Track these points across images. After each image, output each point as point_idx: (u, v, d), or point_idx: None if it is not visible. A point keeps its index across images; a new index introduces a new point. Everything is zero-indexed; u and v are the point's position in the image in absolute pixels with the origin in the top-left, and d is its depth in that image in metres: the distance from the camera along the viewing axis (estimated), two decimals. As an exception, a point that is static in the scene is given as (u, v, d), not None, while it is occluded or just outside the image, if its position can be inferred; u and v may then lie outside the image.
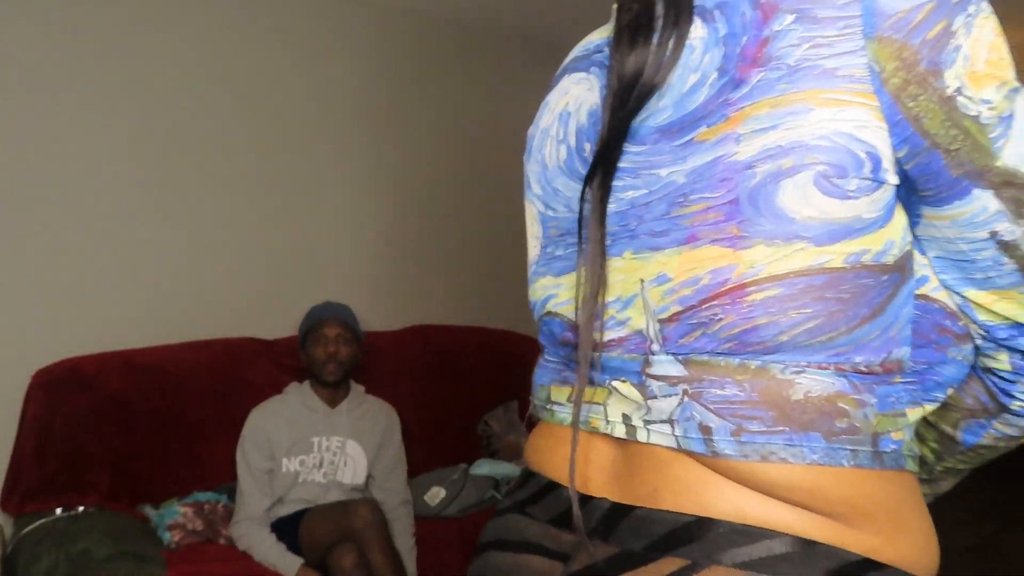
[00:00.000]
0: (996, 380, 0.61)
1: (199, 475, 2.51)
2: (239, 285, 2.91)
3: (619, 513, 0.57)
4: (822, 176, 0.51)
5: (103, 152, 2.63)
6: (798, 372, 0.54)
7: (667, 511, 0.55)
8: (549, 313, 0.67)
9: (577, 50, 0.71)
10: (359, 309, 2.89)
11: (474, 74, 3.60)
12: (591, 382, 0.62)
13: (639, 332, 0.58)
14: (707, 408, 0.55)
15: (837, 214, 0.52)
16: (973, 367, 0.62)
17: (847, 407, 0.54)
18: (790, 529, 0.53)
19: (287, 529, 2.30)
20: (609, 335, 0.60)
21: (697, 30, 0.56)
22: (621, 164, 0.58)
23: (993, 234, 0.54)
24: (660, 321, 0.56)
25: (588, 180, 0.60)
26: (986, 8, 0.52)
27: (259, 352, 2.75)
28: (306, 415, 2.47)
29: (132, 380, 2.46)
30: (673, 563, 0.53)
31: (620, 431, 0.59)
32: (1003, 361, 0.60)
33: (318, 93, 3.13)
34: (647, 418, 0.57)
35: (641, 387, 0.58)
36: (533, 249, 0.71)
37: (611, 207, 0.59)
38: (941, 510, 3.88)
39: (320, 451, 2.45)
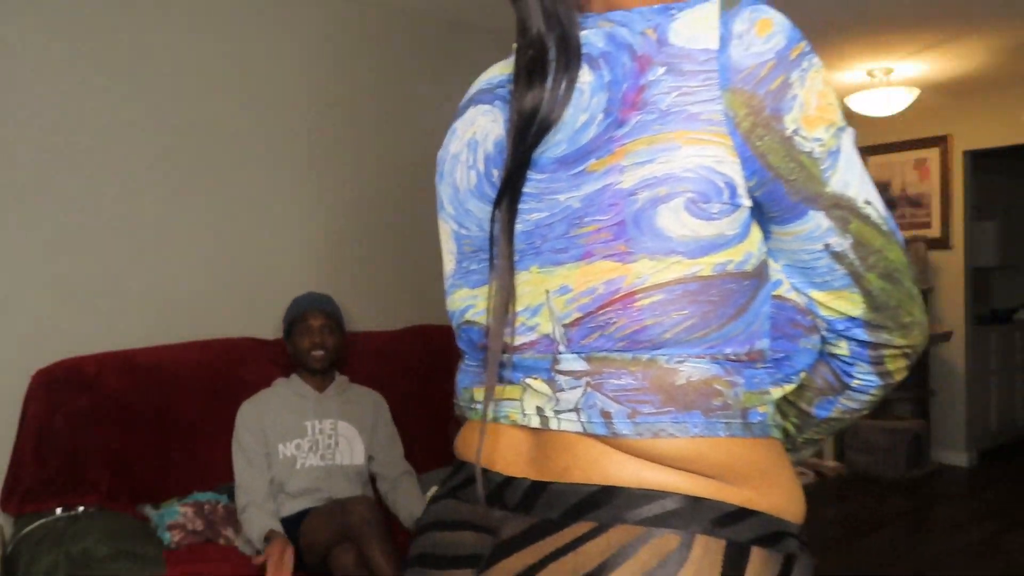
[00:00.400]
0: (839, 363, 0.75)
1: (199, 475, 2.51)
2: (239, 285, 2.91)
3: (537, 489, 0.68)
4: (691, 202, 0.63)
5: (103, 153, 2.63)
6: (680, 362, 0.65)
7: (577, 483, 0.66)
8: (468, 322, 0.76)
9: (482, 83, 0.81)
10: (359, 309, 2.89)
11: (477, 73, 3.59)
12: (507, 381, 0.71)
13: (547, 336, 0.67)
14: (607, 396, 0.65)
15: (704, 232, 0.63)
16: (821, 354, 0.75)
17: (721, 388, 0.66)
18: (680, 489, 0.64)
19: (287, 531, 2.30)
20: (521, 339, 0.69)
21: (585, 75, 0.67)
22: (526, 190, 0.68)
23: (826, 246, 0.68)
24: (564, 326, 0.66)
25: (497, 203, 0.69)
26: (817, 63, 0.65)
27: (258, 352, 2.75)
28: (296, 401, 2.51)
29: (132, 380, 2.46)
30: (584, 526, 0.64)
31: (535, 422, 0.68)
32: (843, 348, 0.73)
33: (317, 90, 3.13)
34: (557, 408, 0.67)
35: (551, 382, 0.67)
36: (448, 264, 0.80)
37: (518, 227, 0.68)
38: (942, 511, 3.89)
39: (314, 434, 2.48)
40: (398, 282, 3.35)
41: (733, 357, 0.67)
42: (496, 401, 0.72)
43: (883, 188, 5.43)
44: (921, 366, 5.16)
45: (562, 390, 0.67)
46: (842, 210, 0.67)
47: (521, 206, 0.68)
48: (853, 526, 4.04)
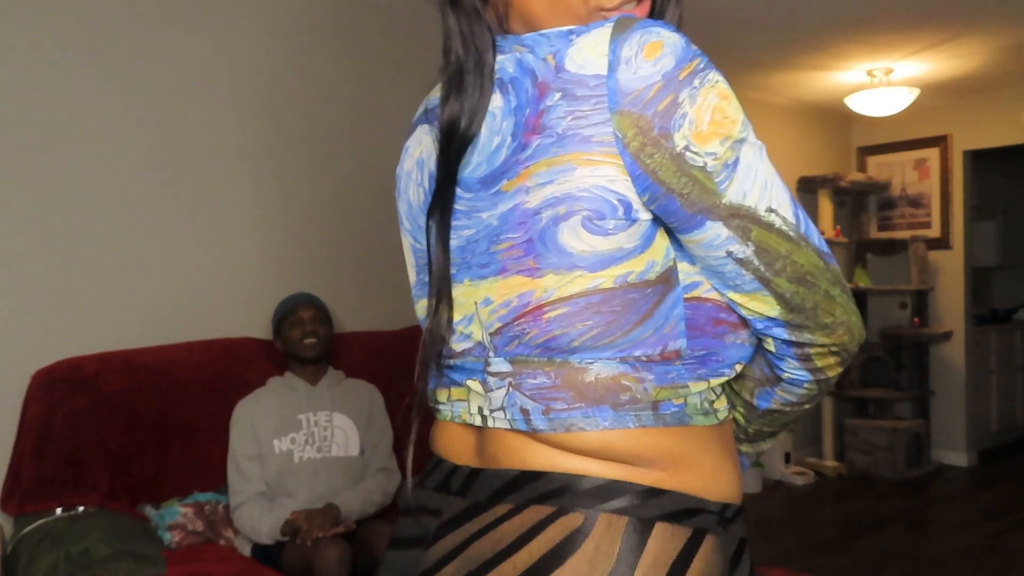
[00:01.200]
0: (769, 357, 0.78)
1: (199, 475, 2.51)
2: (239, 285, 2.91)
3: (474, 475, 0.75)
4: (587, 219, 0.67)
5: (102, 153, 2.63)
6: (591, 363, 0.70)
7: (501, 468, 0.73)
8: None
9: (429, 102, 0.84)
10: (359, 308, 2.90)
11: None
12: (455, 383, 0.79)
13: (479, 343, 0.74)
14: (524, 395, 0.72)
15: (602, 247, 0.68)
16: (757, 346, 0.79)
17: (629, 383, 0.71)
18: (591, 474, 0.70)
19: (269, 556, 2.30)
20: (460, 346, 0.76)
21: (496, 100, 0.72)
22: (458, 207, 0.73)
23: (729, 253, 0.70)
24: (489, 334, 0.73)
25: (429, 215, 0.75)
26: (712, 78, 0.66)
27: (258, 352, 2.75)
28: (289, 395, 2.51)
29: (132, 380, 2.46)
30: (503, 508, 0.71)
31: (477, 421, 0.76)
32: (769, 344, 0.76)
33: (317, 89, 3.13)
34: (491, 408, 0.74)
35: (484, 384, 0.74)
36: (411, 275, 0.87)
37: (453, 243, 0.74)
38: (942, 511, 3.89)
39: (309, 426, 2.48)
40: (397, 282, 3.34)
41: (644, 358, 0.71)
42: (452, 402, 0.79)
43: (883, 188, 5.43)
44: (921, 366, 5.16)
45: (491, 391, 0.74)
46: (741, 219, 0.69)
47: (455, 222, 0.74)
48: (853, 526, 4.04)
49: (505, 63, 0.73)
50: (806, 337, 0.74)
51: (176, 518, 2.32)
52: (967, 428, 5.21)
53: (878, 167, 5.52)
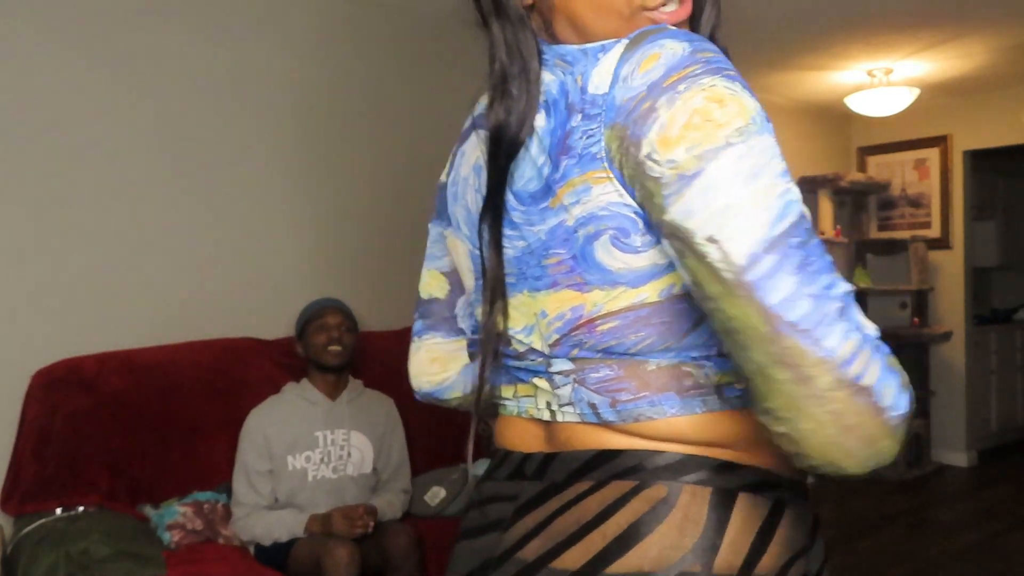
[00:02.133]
0: None
1: (199, 475, 2.51)
2: (239, 285, 2.91)
3: (549, 459, 0.76)
4: (614, 238, 0.67)
5: (103, 153, 2.63)
6: (650, 359, 0.71)
7: (577, 450, 0.74)
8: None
9: (477, 109, 0.84)
10: (359, 308, 2.89)
11: (475, 70, 3.59)
12: (521, 381, 0.79)
13: (540, 350, 0.75)
14: (590, 390, 0.72)
15: (637, 264, 0.67)
16: None
17: (689, 370, 0.71)
18: (668, 451, 0.70)
19: (275, 556, 2.30)
20: (521, 348, 0.77)
21: (540, 120, 0.71)
22: (513, 218, 0.73)
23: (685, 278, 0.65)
24: (549, 345, 0.74)
25: (480, 221, 0.75)
26: (707, 81, 0.61)
27: (259, 352, 2.75)
28: (306, 409, 2.45)
29: (132, 380, 2.46)
30: (584, 485, 0.71)
31: (546, 416, 0.77)
32: None
33: (320, 94, 3.13)
34: (560, 404, 0.75)
35: (550, 380, 0.75)
36: (468, 280, 0.86)
37: (508, 253, 0.74)
38: (942, 511, 3.89)
39: (326, 445, 2.43)
40: (400, 282, 3.34)
41: (702, 357, 0.71)
42: (518, 398, 0.80)
43: (883, 188, 5.43)
44: (921, 366, 5.16)
45: (558, 387, 0.75)
46: (679, 241, 0.62)
47: (510, 232, 0.74)
48: (853, 526, 4.04)
49: (550, 84, 0.72)
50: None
51: (175, 517, 2.32)
52: (967, 428, 5.21)
53: (878, 167, 5.51)
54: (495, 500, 0.81)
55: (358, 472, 2.46)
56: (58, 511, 2.25)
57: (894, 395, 0.58)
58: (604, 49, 0.68)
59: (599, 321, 0.69)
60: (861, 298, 5.38)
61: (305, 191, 3.09)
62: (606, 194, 0.66)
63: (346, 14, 3.20)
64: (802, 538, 0.72)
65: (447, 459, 2.93)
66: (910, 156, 5.37)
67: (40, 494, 2.27)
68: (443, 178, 0.91)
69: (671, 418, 0.70)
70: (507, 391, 0.82)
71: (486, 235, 0.75)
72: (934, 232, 5.25)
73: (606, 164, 0.65)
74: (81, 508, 2.27)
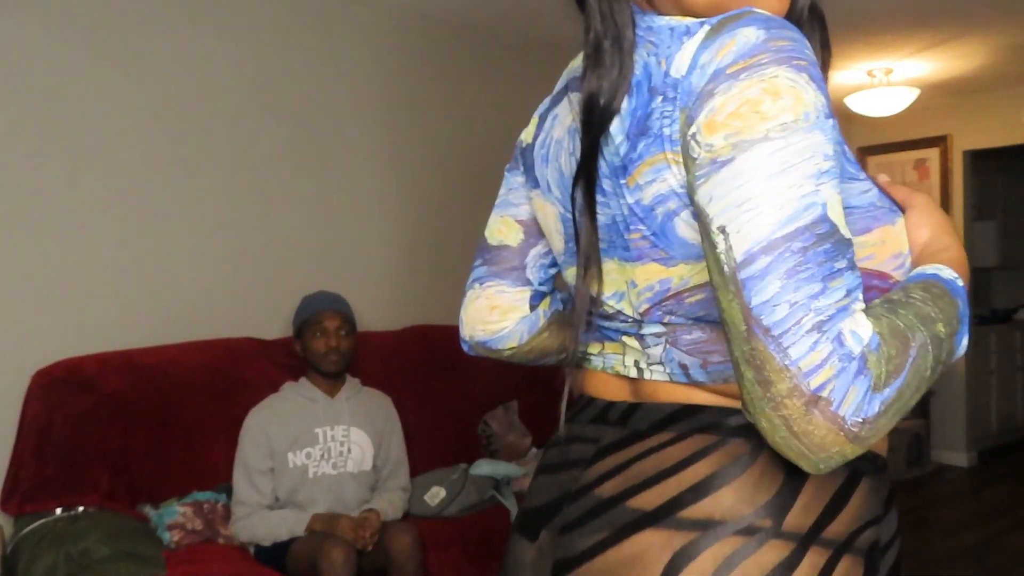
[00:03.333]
0: None
1: (199, 475, 2.51)
2: (239, 285, 2.91)
3: (633, 408, 0.79)
4: (692, 215, 0.67)
5: (103, 153, 2.63)
6: None
7: (663, 402, 0.77)
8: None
9: (574, 70, 0.83)
10: (359, 308, 2.89)
11: (485, 78, 3.59)
12: (609, 339, 0.82)
13: (635, 320, 0.78)
14: (681, 351, 0.75)
15: None
16: None
17: None
18: None
19: (273, 555, 2.30)
20: (612, 310, 0.79)
21: (626, 102, 0.72)
22: (604, 186, 0.74)
23: None
24: (639, 312, 0.76)
25: (574, 183, 0.76)
26: (770, 72, 0.61)
27: (258, 352, 2.75)
28: (306, 406, 2.46)
29: (132, 380, 2.46)
30: (667, 435, 0.74)
31: (633, 373, 0.80)
32: None
33: (322, 94, 3.13)
34: (648, 362, 0.78)
35: (641, 340, 0.78)
36: (557, 243, 0.86)
37: (600, 219, 0.75)
38: (942, 511, 3.87)
39: (326, 441, 2.44)
40: (399, 282, 3.35)
41: None
42: (604, 354, 0.83)
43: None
44: (921, 366, 5.16)
45: (649, 347, 0.77)
46: (701, 225, 0.64)
47: (602, 198, 0.75)
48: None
49: (637, 62, 0.72)
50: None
51: (175, 517, 2.32)
52: (967, 428, 5.21)
53: (878, 167, 5.51)
54: (577, 441, 0.84)
55: (358, 469, 2.47)
56: (58, 511, 2.25)
57: (857, 403, 0.58)
58: (688, 32, 0.68)
59: (687, 293, 0.72)
60: (861, 298, 5.38)
61: (305, 192, 3.09)
62: (683, 174, 0.67)
63: (354, 18, 3.20)
64: (876, 508, 0.75)
65: (447, 459, 2.93)
66: (910, 156, 5.37)
67: (40, 494, 2.27)
68: (526, 138, 0.90)
69: None
70: (594, 348, 0.85)
71: (579, 201, 0.75)
72: (934, 232, 5.25)
73: (680, 145, 0.66)
74: (81, 508, 2.27)
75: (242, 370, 2.67)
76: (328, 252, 3.14)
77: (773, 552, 0.68)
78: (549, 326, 0.96)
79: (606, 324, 0.81)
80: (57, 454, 2.29)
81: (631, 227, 0.72)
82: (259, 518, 2.32)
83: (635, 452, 0.75)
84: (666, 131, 0.67)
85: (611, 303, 0.78)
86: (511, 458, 3.04)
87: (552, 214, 0.85)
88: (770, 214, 0.59)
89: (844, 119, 5.47)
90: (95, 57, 2.61)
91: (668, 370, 0.76)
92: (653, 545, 0.70)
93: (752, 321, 0.59)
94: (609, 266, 0.77)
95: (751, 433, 0.70)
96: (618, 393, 0.82)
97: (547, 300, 0.96)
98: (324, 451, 2.43)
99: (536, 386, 3.27)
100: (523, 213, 0.93)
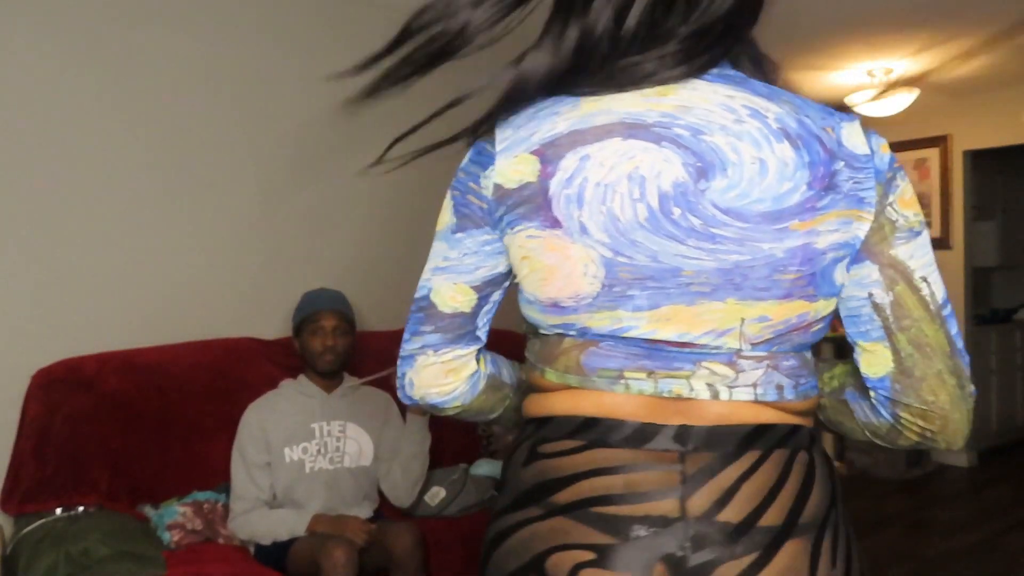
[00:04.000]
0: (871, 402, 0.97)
1: (199, 475, 2.51)
2: (239, 285, 2.91)
3: (716, 431, 0.84)
4: (850, 262, 0.86)
5: (102, 153, 2.63)
6: (807, 353, 0.93)
7: (736, 424, 0.85)
8: (627, 337, 0.86)
9: (621, 114, 0.83)
10: (359, 309, 2.89)
11: (480, 73, 3.59)
12: (678, 368, 0.86)
13: (731, 350, 0.85)
14: (781, 373, 0.87)
15: (843, 282, 0.89)
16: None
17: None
18: (804, 424, 0.90)
19: (273, 555, 2.30)
20: (703, 343, 0.85)
21: (787, 151, 0.81)
22: (725, 234, 0.81)
23: (870, 295, 0.86)
24: (752, 344, 0.85)
25: (655, 233, 0.82)
26: (904, 173, 0.87)
27: (258, 352, 2.75)
28: (303, 402, 2.48)
29: (132, 380, 2.46)
30: (755, 454, 0.84)
31: (704, 395, 0.85)
32: (872, 396, 0.94)
33: (317, 91, 3.13)
34: (731, 384, 0.85)
35: (733, 366, 0.85)
36: (590, 286, 0.84)
37: (709, 263, 0.82)
38: (942, 511, 3.88)
39: (322, 436, 2.45)
40: (399, 282, 3.35)
41: None
42: (654, 379, 0.86)
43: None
44: (921, 366, 5.16)
45: (743, 371, 0.85)
46: (896, 271, 0.85)
47: (718, 246, 0.81)
48: (853, 526, 4.03)
49: (784, 117, 0.83)
50: (904, 401, 0.86)
51: (175, 517, 2.32)
52: (967, 428, 5.20)
53: (878, 167, 5.51)
54: (638, 469, 0.84)
55: (356, 464, 2.48)
56: (58, 511, 2.25)
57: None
58: (836, 115, 0.86)
59: (814, 324, 0.87)
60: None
61: (306, 192, 3.09)
62: (861, 230, 0.84)
63: (341, 14, 3.20)
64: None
65: (447, 459, 2.93)
66: (910, 156, 5.37)
67: (40, 494, 2.27)
68: (518, 181, 0.86)
69: (815, 396, 0.91)
70: (638, 373, 0.86)
71: (653, 245, 0.81)
72: (934, 232, 5.25)
73: (872, 209, 0.84)
74: (81, 508, 2.27)
75: (242, 370, 2.67)
76: (328, 252, 3.14)
77: (846, 531, 0.90)
78: (486, 388, 1.00)
79: (676, 351, 0.85)
80: (57, 454, 2.30)
81: (787, 268, 0.82)
82: (259, 516, 2.33)
83: (735, 474, 0.83)
84: (862, 194, 0.84)
85: (704, 340, 0.84)
86: (511, 458, 3.04)
87: (583, 257, 0.83)
88: (939, 277, 0.87)
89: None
90: (96, 57, 2.61)
91: (760, 391, 0.85)
92: (797, 553, 0.83)
93: (953, 344, 0.85)
94: (708, 307, 0.83)
95: (806, 442, 0.88)
96: (661, 414, 0.85)
97: (483, 359, 1.00)
98: (320, 446, 2.44)
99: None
100: (477, 277, 0.93)
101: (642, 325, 0.84)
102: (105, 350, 2.52)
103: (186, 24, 2.80)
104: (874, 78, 4.38)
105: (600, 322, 0.85)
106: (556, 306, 0.86)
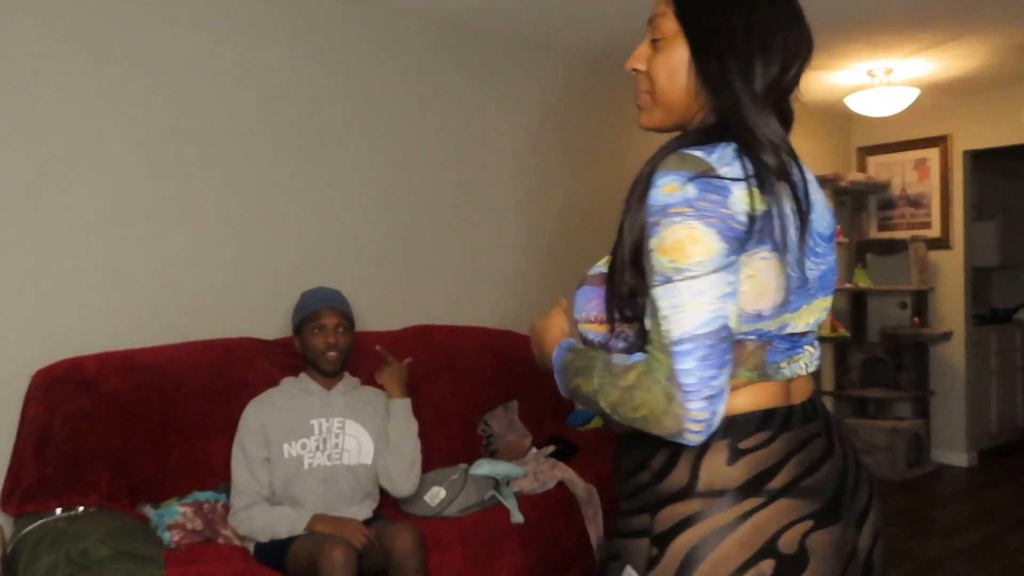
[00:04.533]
0: None
1: (199, 475, 2.51)
2: (239, 285, 2.91)
3: (809, 403, 1.13)
4: None
5: (102, 152, 2.63)
6: None
7: (812, 394, 1.14)
8: (790, 333, 1.09)
9: (808, 174, 1.12)
10: (359, 308, 2.89)
11: (483, 77, 3.60)
12: (797, 352, 1.10)
13: (814, 334, 1.15)
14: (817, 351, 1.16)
15: None
16: None
17: None
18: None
19: (273, 553, 2.30)
20: (804, 330, 1.12)
21: (818, 193, 1.12)
22: (817, 249, 1.09)
23: None
24: (821, 326, 1.15)
25: (807, 255, 1.08)
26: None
27: (258, 352, 2.75)
28: (303, 398, 2.49)
29: (132, 380, 2.46)
30: (820, 423, 1.11)
31: (803, 372, 1.11)
32: None
33: (323, 94, 3.13)
34: (813, 360, 1.13)
35: (814, 345, 1.14)
36: (775, 296, 1.03)
37: (812, 272, 1.08)
38: (942, 511, 3.87)
39: (321, 432, 2.46)
40: (398, 282, 3.35)
41: None
42: (791, 363, 1.09)
43: (883, 188, 5.44)
44: (921, 366, 5.16)
45: (816, 349, 1.14)
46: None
47: (814, 260, 1.09)
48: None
49: (808, 174, 1.13)
50: None
51: (175, 517, 2.32)
52: (967, 428, 5.21)
53: (878, 167, 5.51)
54: (815, 437, 1.08)
55: (355, 462, 2.48)
56: (58, 511, 2.25)
57: None
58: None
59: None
60: (861, 298, 5.39)
61: (306, 192, 3.09)
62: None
63: (354, 17, 3.20)
64: None
65: (447, 459, 2.93)
66: (910, 156, 5.37)
67: (40, 494, 2.27)
68: (757, 207, 0.99)
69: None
70: (784, 363, 1.08)
71: (807, 263, 1.07)
72: (934, 232, 5.25)
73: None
74: (81, 508, 2.27)
75: (242, 370, 2.67)
76: (328, 252, 3.14)
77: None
78: None
79: (798, 340, 1.10)
80: (57, 454, 2.29)
81: (836, 273, 1.16)
82: (259, 511, 2.33)
83: (841, 432, 1.14)
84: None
85: (812, 326, 1.12)
86: (511, 458, 3.04)
87: (782, 273, 1.02)
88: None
89: (844, 119, 5.46)
90: (96, 57, 2.61)
91: (816, 366, 1.13)
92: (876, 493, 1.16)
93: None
94: (815, 304, 1.10)
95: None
96: (805, 390, 1.12)
97: None
98: (319, 442, 2.44)
99: (536, 386, 3.27)
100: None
101: (797, 321, 1.08)
102: (105, 350, 2.52)
103: (189, 24, 2.80)
104: (874, 78, 4.38)
105: (773, 325, 1.07)
106: (759, 316, 1.04)
